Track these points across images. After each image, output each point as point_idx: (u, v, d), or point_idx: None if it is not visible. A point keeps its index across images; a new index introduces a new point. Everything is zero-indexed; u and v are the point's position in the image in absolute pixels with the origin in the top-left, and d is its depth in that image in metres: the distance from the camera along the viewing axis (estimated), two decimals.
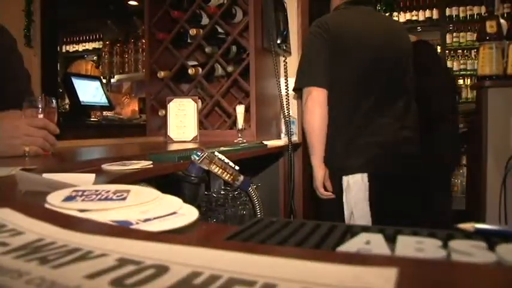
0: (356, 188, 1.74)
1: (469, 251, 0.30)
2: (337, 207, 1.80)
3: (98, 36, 5.66)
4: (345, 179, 1.77)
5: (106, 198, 0.46)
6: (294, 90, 2.01)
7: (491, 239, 0.33)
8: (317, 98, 1.79)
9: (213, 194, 1.74)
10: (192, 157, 0.86)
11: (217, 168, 0.86)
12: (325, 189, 1.88)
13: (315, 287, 0.21)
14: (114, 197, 0.46)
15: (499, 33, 2.45)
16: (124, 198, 0.46)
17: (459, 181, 3.73)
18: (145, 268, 0.25)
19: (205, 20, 2.40)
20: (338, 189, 1.81)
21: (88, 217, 0.40)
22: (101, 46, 5.42)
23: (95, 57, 5.49)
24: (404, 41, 1.96)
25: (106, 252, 0.27)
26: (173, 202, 0.46)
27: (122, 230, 0.36)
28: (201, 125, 2.26)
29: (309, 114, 1.81)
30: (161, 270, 0.24)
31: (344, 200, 1.77)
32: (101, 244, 0.29)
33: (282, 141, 2.36)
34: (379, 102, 1.79)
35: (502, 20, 2.52)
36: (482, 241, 0.32)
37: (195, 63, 2.48)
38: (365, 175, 1.74)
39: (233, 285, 0.22)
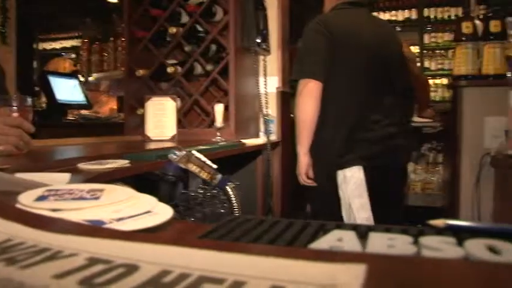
0: (353, 180, 1.80)
1: (438, 247, 0.31)
2: (331, 202, 1.84)
3: (76, 34, 5.57)
4: (340, 172, 1.82)
5: (79, 198, 0.45)
6: (290, 81, 2.06)
7: (460, 235, 0.33)
8: (313, 90, 1.84)
9: (190, 193, 1.73)
10: (170, 156, 0.86)
11: (195, 167, 0.86)
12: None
13: (284, 284, 0.22)
14: (88, 196, 0.45)
15: (474, 34, 2.50)
16: (97, 198, 0.45)
17: (435, 179, 3.79)
18: (115, 267, 0.24)
19: (185, 19, 2.39)
20: (332, 185, 1.85)
21: (61, 217, 0.39)
22: (79, 44, 5.34)
23: (73, 55, 5.40)
24: (395, 42, 2.04)
25: (76, 251, 0.27)
26: (148, 201, 0.46)
27: (93, 229, 0.36)
28: (180, 123, 2.25)
29: (303, 105, 1.86)
30: (131, 269, 0.24)
31: (340, 193, 1.82)
32: (71, 244, 0.29)
33: (261, 139, 2.37)
34: (370, 100, 1.86)
35: (477, 21, 2.56)
36: (451, 237, 0.33)
37: (175, 61, 2.46)
38: (361, 167, 1.80)
39: (202, 283, 0.22)
